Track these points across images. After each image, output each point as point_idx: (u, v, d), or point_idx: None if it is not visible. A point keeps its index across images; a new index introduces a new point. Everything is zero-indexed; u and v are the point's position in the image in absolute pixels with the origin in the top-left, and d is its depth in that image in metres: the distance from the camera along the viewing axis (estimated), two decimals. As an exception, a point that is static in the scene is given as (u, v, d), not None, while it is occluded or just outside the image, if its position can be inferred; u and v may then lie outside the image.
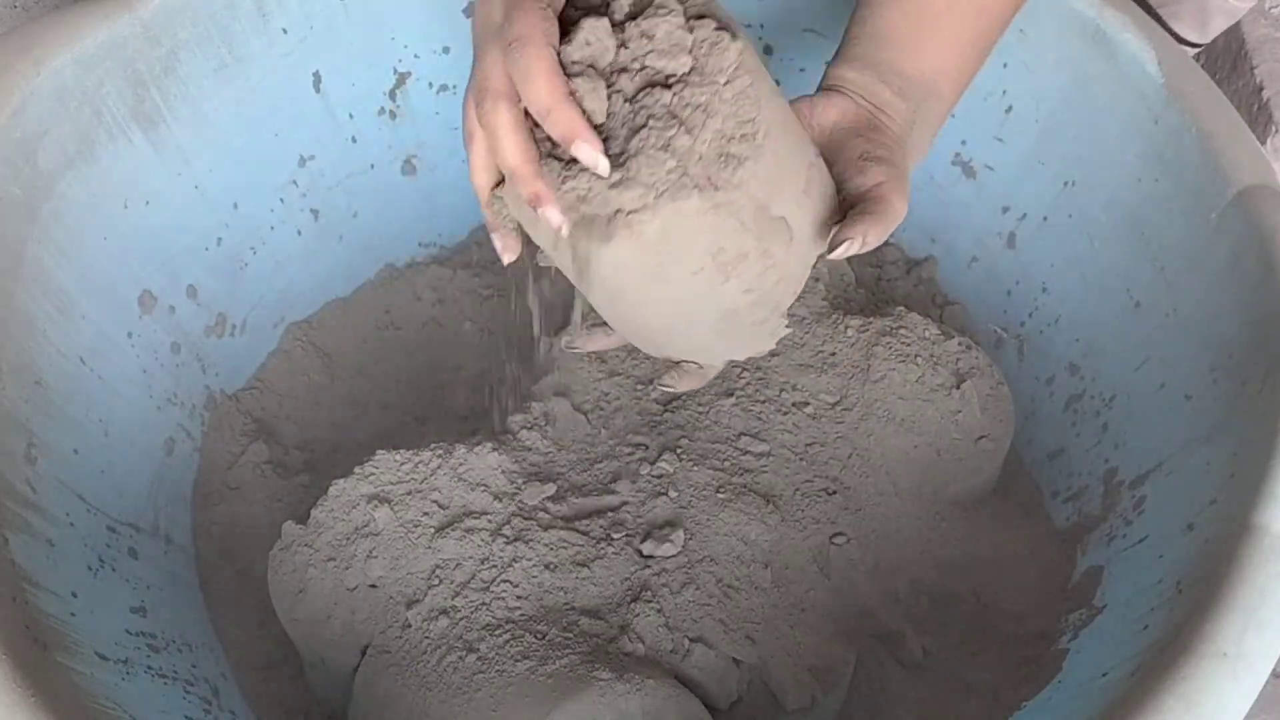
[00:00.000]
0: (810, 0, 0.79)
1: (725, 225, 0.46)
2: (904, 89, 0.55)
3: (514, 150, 0.45)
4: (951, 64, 0.56)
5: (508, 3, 0.45)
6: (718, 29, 0.45)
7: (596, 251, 0.46)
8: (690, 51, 0.45)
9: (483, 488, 0.65)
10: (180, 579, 0.68)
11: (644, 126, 0.44)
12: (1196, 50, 0.99)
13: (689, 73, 0.45)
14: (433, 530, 0.63)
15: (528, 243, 0.52)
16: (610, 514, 0.65)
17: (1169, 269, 0.65)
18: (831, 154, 0.53)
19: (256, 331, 0.80)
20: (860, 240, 0.49)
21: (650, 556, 0.63)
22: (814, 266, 0.53)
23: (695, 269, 0.47)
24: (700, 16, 0.46)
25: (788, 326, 0.54)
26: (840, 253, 0.49)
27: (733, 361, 0.72)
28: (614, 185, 0.44)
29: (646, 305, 0.50)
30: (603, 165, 0.44)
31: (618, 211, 0.45)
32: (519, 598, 0.61)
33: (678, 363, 0.62)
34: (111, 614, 0.58)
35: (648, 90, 0.45)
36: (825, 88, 0.56)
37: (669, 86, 0.45)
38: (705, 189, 0.45)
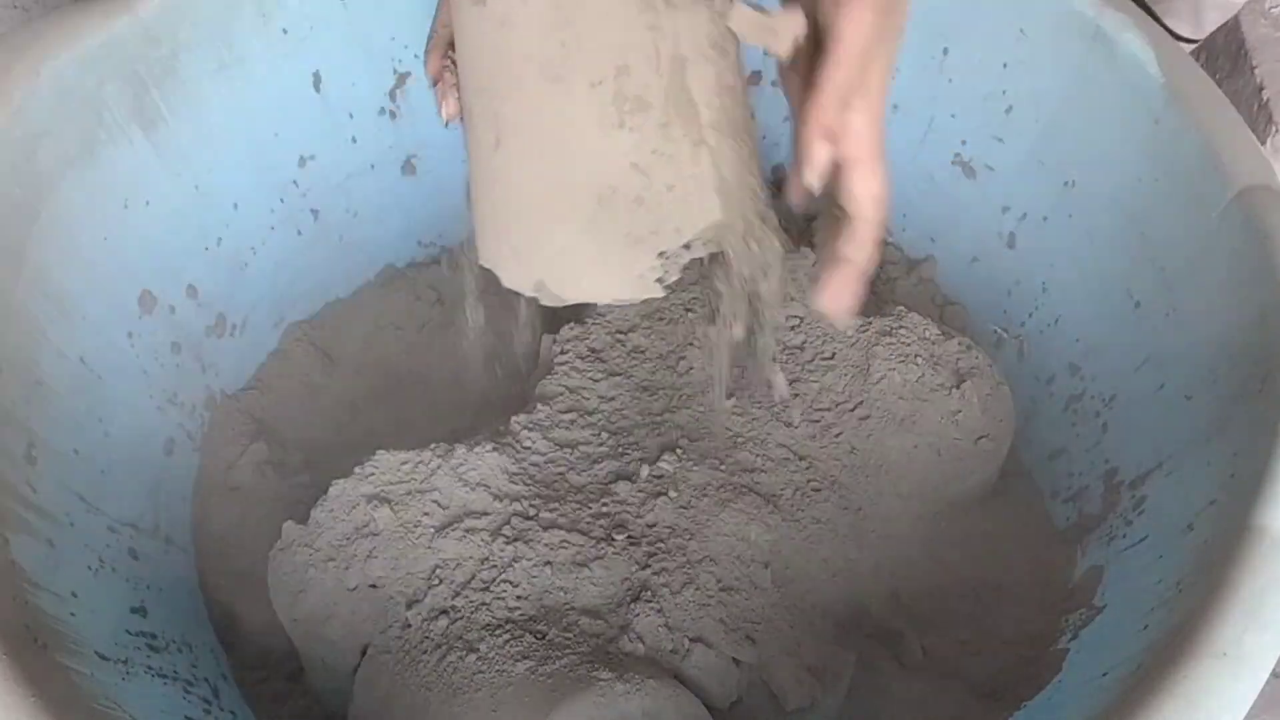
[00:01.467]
0: (810, 0, 0.79)
1: (642, 36, 0.44)
2: None
3: None
4: None
5: None
6: None
7: None
8: None
9: (483, 488, 0.65)
10: (180, 579, 0.68)
11: None
12: (1193, 46, 0.99)
13: None
14: (433, 530, 0.63)
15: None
16: (610, 514, 0.65)
17: (1169, 269, 0.65)
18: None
19: (256, 331, 0.80)
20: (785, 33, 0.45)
21: (651, 555, 0.63)
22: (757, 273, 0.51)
23: (596, 78, 0.45)
24: None
25: (676, 277, 0.49)
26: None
27: (733, 361, 0.72)
28: None
29: (531, 124, 0.47)
30: None
31: None
32: (519, 598, 0.61)
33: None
34: (111, 614, 0.58)
35: None
36: None
37: None
38: None
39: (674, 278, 0.49)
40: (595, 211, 0.48)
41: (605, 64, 0.45)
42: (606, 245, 0.49)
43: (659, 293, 0.49)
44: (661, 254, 0.48)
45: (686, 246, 0.49)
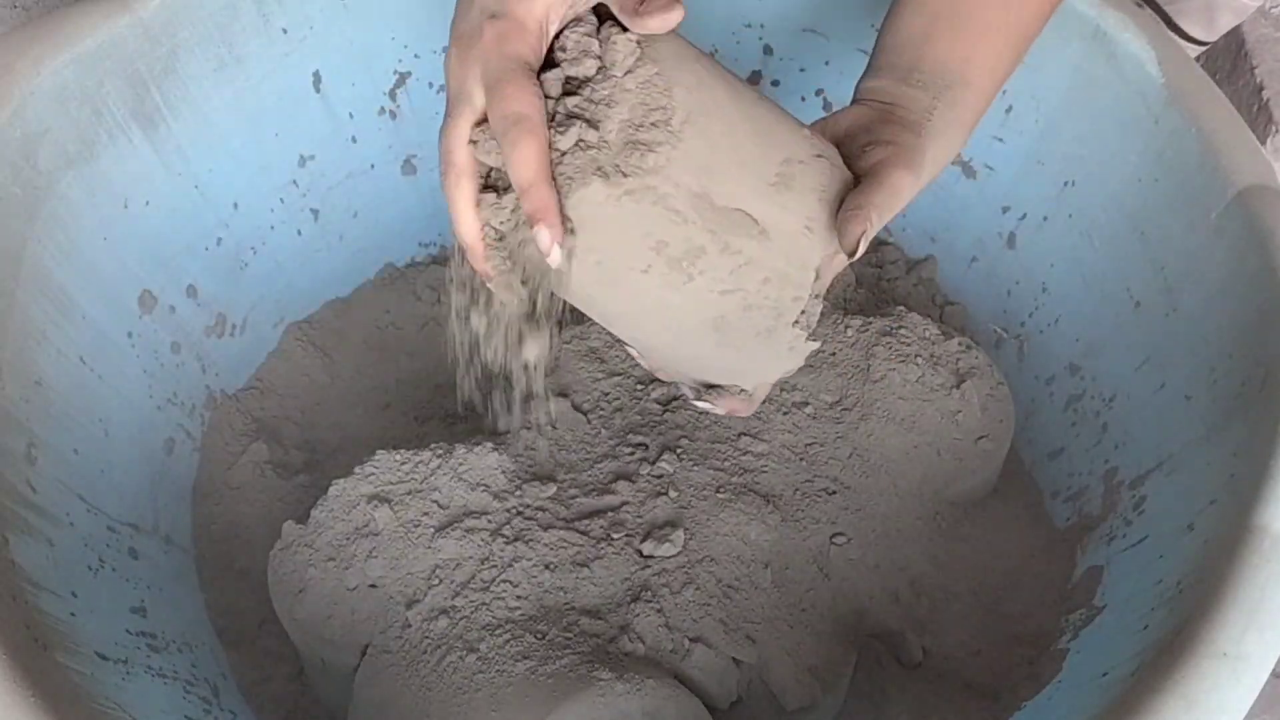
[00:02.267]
0: (810, 0, 0.79)
1: (652, 215, 0.45)
2: (922, 80, 0.54)
3: (471, 230, 0.48)
4: (979, 53, 0.55)
5: (496, 70, 0.45)
6: (616, 28, 0.46)
7: (550, 274, 0.47)
8: (596, 55, 0.46)
9: (483, 488, 0.65)
10: (180, 579, 0.68)
11: (561, 134, 0.45)
12: (1203, 48, 0.99)
13: (595, 74, 0.46)
14: (433, 530, 0.63)
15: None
16: (610, 514, 0.65)
17: (1169, 269, 0.65)
18: (845, 156, 0.52)
19: (256, 331, 0.80)
20: (865, 214, 0.48)
21: (650, 557, 0.63)
22: (836, 272, 0.52)
23: (642, 266, 0.46)
24: (613, 21, 0.46)
25: (812, 339, 0.51)
26: (852, 240, 0.47)
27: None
28: None
29: (625, 315, 0.50)
30: (555, 256, 0.45)
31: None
32: (519, 598, 0.61)
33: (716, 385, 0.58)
34: (111, 614, 0.58)
35: (561, 101, 0.46)
36: (852, 102, 0.56)
37: (578, 92, 0.45)
38: (612, 175, 0.45)
39: (816, 322, 0.51)
40: (718, 337, 0.50)
41: (644, 253, 0.46)
42: (744, 349, 0.51)
43: (815, 346, 0.52)
44: (796, 321, 0.50)
45: (816, 296, 0.50)
